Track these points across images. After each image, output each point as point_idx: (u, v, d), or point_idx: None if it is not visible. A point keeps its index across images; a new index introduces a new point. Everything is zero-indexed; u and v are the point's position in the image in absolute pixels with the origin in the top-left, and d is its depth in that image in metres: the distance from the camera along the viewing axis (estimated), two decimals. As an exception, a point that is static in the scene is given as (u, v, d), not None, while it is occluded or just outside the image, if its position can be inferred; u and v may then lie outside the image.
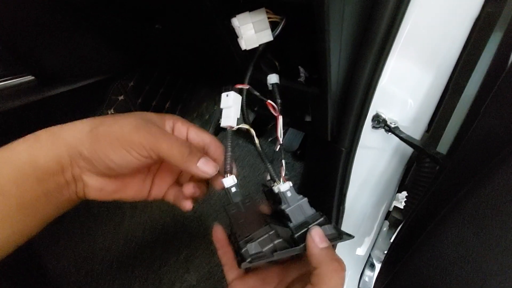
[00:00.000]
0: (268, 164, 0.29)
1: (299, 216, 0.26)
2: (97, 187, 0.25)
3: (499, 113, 0.22)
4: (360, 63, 0.35)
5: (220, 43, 0.36)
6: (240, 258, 0.24)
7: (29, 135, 0.23)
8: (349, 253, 0.61)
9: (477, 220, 0.25)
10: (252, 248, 0.23)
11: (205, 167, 0.25)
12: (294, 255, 0.25)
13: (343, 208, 0.53)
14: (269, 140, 0.94)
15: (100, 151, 0.23)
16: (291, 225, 0.26)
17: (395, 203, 0.55)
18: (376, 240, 0.60)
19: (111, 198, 0.27)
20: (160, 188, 0.30)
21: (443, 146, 0.40)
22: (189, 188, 0.27)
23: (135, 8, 0.45)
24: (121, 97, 0.89)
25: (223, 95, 0.29)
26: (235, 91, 0.29)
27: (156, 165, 0.30)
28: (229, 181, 0.27)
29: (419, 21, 0.34)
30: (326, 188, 0.52)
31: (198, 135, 0.28)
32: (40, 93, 0.71)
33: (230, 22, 0.32)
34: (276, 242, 0.24)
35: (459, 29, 0.35)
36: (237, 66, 0.39)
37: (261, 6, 0.31)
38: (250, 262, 0.23)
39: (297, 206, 0.26)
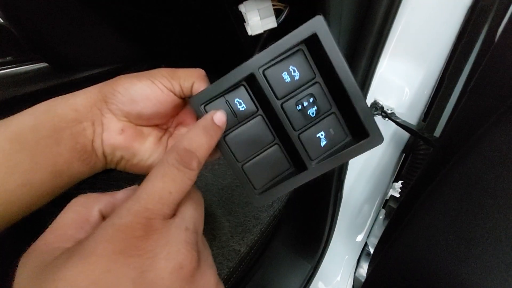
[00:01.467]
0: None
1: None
2: (117, 129, 0.25)
3: (483, 91, 0.24)
4: (359, 50, 0.38)
5: (228, 29, 0.39)
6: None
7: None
8: (346, 239, 0.63)
9: (460, 189, 0.27)
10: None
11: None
12: None
13: (341, 195, 0.55)
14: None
15: (126, 83, 0.24)
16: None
17: (391, 192, 0.57)
18: (372, 227, 0.62)
19: (130, 148, 0.26)
20: None
21: (438, 132, 0.42)
22: None
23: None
24: (129, 87, 0.92)
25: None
26: None
27: (169, 132, 0.29)
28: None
29: (413, 14, 0.36)
30: (324, 174, 0.55)
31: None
32: (54, 79, 0.75)
33: (237, 8, 0.34)
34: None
35: (451, 21, 0.37)
36: (243, 54, 0.42)
37: (266, -7, 0.33)
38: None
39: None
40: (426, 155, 0.45)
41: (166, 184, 0.19)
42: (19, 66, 0.70)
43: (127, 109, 0.24)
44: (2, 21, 0.75)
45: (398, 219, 0.37)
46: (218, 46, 0.47)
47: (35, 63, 0.72)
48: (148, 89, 0.24)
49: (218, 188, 0.85)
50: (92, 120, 0.24)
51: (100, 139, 0.25)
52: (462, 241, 0.28)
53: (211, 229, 0.73)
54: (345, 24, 0.31)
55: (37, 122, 0.22)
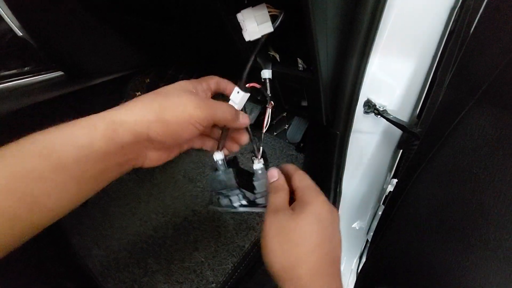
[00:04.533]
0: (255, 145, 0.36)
1: (262, 188, 0.34)
2: (157, 158, 0.29)
3: (458, 85, 0.26)
4: (348, 52, 0.40)
5: (226, 36, 0.42)
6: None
7: (83, 121, 0.24)
8: (346, 236, 0.65)
9: (442, 177, 0.29)
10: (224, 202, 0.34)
11: (244, 120, 0.32)
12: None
13: (340, 191, 0.57)
14: (274, 134, 0.99)
15: (173, 133, 0.26)
16: (255, 191, 0.34)
17: (390, 188, 0.59)
18: (371, 224, 0.63)
19: (167, 158, 0.30)
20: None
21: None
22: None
23: (151, 8, 0.52)
24: (138, 93, 0.96)
25: (235, 89, 0.34)
26: (246, 90, 0.34)
27: None
28: (219, 155, 0.35)
29: (401, 11, 0.39)
30: (323, 172, 0.57)
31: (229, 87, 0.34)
32: (69, 87, 0.80)
33: (235, 18, 0.37)
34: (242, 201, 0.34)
35: (438, 18, 0.39)
36: (242, 60, 0.45)
37: (261, 2, 0.36)
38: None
39: (263, 181, 0.34)
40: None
41: None
42: (36, 76, 0.75)
43: (168, 143, 0.28)
44: (20, 33, 0.80)
45: (388, 211, 0.39)
46: (218, 52, 0.50)
47: (51, 72, 0.77)
48: (190, 134, 0.27)
49: (223, 188, 0.88)
50: (136, 154, 0.27)
51: (141, 164, 0.28)
52: (443, 226, 0.30)
53: (217, 227, 0.75)
54: (331, 27, 0.34)
55: (80, 154, 0.23)
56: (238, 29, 0.38)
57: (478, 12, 0.29)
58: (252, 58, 0.38)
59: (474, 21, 0.30)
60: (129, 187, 0.88)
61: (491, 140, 0.25)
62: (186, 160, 1.01)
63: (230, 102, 0.34)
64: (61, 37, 0.72)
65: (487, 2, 0.28)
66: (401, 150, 0.53)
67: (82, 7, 0.69)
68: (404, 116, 0.46)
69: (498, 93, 0.24)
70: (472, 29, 0.29)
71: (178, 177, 0.90)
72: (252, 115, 0.99)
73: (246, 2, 0.38)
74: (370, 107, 0.46)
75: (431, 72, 0.42)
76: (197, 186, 0.87)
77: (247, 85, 0.35)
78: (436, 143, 0.30)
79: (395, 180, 0.59)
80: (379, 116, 0.45)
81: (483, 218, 0.26)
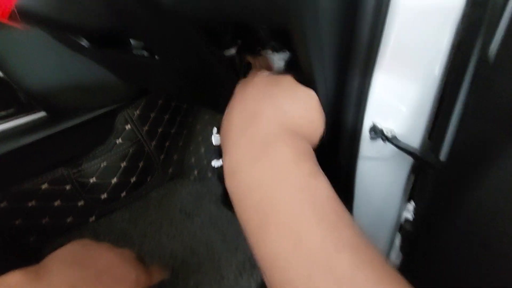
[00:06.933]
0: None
1: None
2: None
3: (482, 115, 0.22)
4: (349, 72, 0.36)
5: (211, 70, 0.38)
6: None
7: None
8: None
9: (480, 216, 0.24)
10: None
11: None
12: None
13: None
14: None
15: None
16: None
17: (405, 214, 0.53)
18: (389, 254, 0.57)
19: None
20: None
21: (444, 153, 0.39)
22: None
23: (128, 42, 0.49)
24: (128, 126, 0.92)
25: (215, 134, 0.34)
26: None
27: None
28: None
29: (403, 29, 0.35)
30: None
31: None
32: (52, 128, 0.75)
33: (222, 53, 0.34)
34: None
35: (443, 35, 0.35)
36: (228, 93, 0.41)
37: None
38: None
39: None
40: (434, 175, 0.42)
41: None
42: (15, 119, 0.71)
43: None
44: (1, 74, 0.77)
45: (412, 243, 0.34)
46: (205, 84, 0.46)
47: (32, 114, 0.73)
48: None
49: (224, 221, 0.81)
50: None
51: None
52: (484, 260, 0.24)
53: (218, 268, 0.69)
54: (328, 55, 0.30)
55: None
56: (222, 64, 0.34)
57: (496, 29, 0.25)
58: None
59: (491, 39, 0.26)
60: (121, 228, 0.82)
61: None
62: (183, 192, 0.95)
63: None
64: (41, 76, 0.68)
65: None
66: (414, 173, 0.48)
67: (59, 41, 0.66)
68: (414, 139, 0.41)
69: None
70: (493, 52, 0.25)
71: (174, 213, 0.84)
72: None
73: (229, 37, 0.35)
74: (376, 132, 0.42)
75: (441, 91, 0.38)
76: (195, 222, 0.81)
77: None
78: (463, 179, 0.25)
79: (411, 206, 0.53)
80: (387, 142, 0.41)
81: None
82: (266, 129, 0.25)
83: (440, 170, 0.32)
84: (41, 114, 0.74)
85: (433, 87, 0.40)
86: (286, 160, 0.24)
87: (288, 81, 0.31)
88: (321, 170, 0.25)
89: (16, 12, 0.29)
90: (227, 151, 0.26)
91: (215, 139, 0.34)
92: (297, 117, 0.29)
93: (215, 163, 0.35)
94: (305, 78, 0.33)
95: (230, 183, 0.25)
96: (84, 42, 0.51)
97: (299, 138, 0.27)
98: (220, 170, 0.36)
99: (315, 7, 0.24)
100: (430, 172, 0.41)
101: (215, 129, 0.34)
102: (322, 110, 0.31)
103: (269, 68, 0.36)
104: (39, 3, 0.29)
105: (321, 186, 0.23)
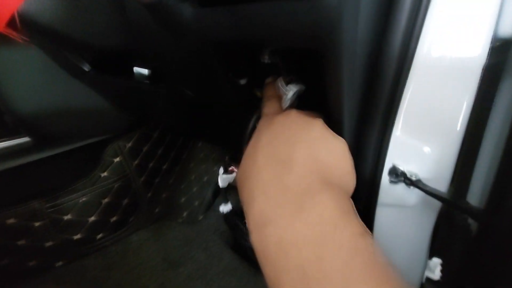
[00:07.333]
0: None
1: None
2: None
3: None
4: (370, 114, 0.34)
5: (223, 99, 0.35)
6: None
7: None
8: None
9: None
10: None
11: None
12: None
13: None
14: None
15: None
16: None
17: (427, 273, 0.47)
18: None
19: None
20: None
21: (473, 199, 0.36)
22: None
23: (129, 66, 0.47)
24: (117, 159, 0.86)
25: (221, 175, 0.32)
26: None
27: None
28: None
29: (426, 75, 0.34)
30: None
31: None
32: (34, 155, 0.69)
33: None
34: None
35: (466, 82, 0.35)
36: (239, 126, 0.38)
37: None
38: None
39: None
40: (464, 226, 0.38)
41: None
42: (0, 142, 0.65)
43: None
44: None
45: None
46: (218, 115, 0.43)
47: (15, 138, 0.67)
48: None
49: (213, 273, 0.71)
50: None
51: None
52: None
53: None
54: (358, 88, 0.28)
55: None
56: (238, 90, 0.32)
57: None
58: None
59: None
60: (93, 276, 0.70)
61: None
62: (169, 237, 0.85)
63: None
64: (29, 98, 0.64)
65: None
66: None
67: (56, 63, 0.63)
68: (440, 185, 0.38)
69: None
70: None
71: (156, 261, 0.74)
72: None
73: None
74: (397, 175, 0.38)
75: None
76: (179, 273, 0.70)
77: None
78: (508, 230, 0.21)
79: (431, 262, 0.48)
80: (411, 187, 0.37)
81: None
82: (302, 178, 0.22)
83: (480, 219, 0.28)
84: (25, 139, 0.68)
85: (461, 127, 0.38)
86: (333, 217, 0.20)
87: (320, 126, 0.28)
88: (367, 228, 0.21)
89: (17, 19, 0.26)
90: (253, 200, 0.22)
91: (222, 180, 0.30)
92: (334, 168, 0.26)
93: (223, 208, 0.30)
94: (332, 121, 0.31)
95: (258, 237, 0.21)
96: (86, 66, 0.49)
97: (340, 191, 0.24)
98: (229, 216, 0.31)
99: (354, 33, 0.22)
100: (459, 223, 0.37)
101: (221, 169, 0.30)
102: (353, 160, 0.28)
103: (278, 97, 0.34)
104: (45, 11, 0.26)
105: (372, 249, 0.19)
